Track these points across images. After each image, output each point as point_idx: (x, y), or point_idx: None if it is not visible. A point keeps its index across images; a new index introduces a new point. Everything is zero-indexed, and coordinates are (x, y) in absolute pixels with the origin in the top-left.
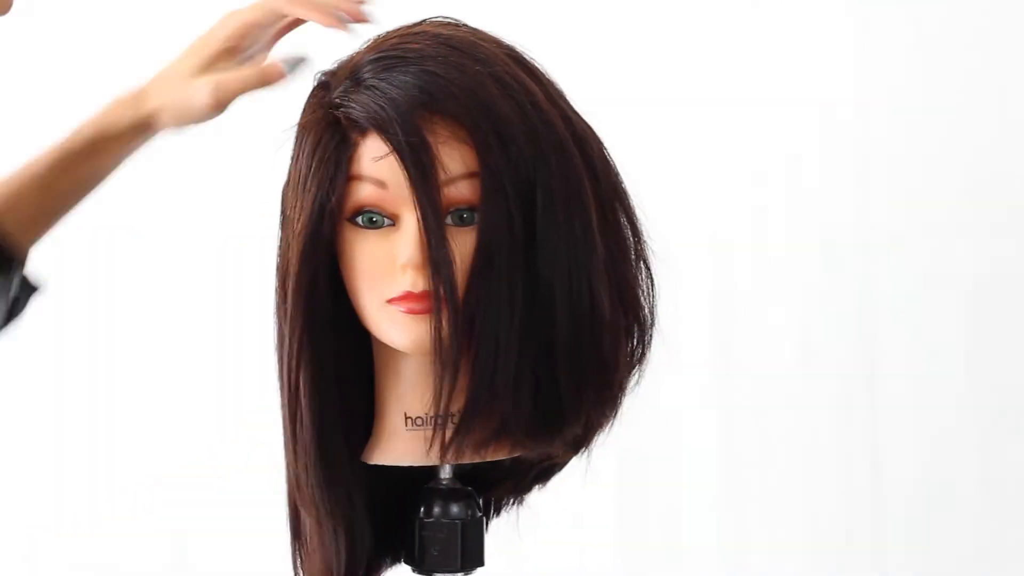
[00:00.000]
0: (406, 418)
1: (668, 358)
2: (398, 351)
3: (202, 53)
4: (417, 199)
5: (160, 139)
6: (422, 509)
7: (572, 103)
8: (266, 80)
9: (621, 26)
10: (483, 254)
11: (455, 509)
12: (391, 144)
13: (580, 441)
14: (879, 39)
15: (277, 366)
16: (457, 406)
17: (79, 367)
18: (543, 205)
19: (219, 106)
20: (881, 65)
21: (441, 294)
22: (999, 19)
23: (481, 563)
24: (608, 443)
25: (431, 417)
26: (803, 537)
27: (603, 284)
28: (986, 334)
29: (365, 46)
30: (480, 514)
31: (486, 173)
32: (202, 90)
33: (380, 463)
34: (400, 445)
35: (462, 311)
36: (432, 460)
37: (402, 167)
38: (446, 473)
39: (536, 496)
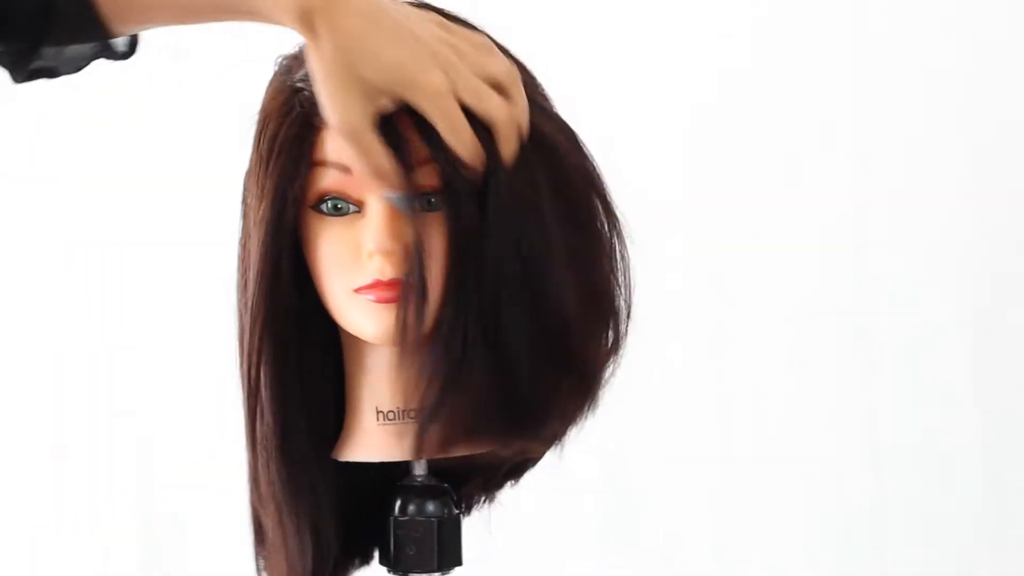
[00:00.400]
0: (377, 412)
1: (667, 358)
2: (368, 343)
3: (396, 85)
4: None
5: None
6: (397, 507)
7: (544, 91)
8: (374, 177)
9: (620, 22)
10: (452, 240)
11: (431, 507)
12: None
13: (554, 436)
14: (879, 38)
15: (237, 360)
16: (429, 398)
17: (79, 367)
18: (496, 193)
19: (331, 126)
20: (881, 65)
21: (412, 281)
22: (999, 19)
23: (459, 562)
24: (605, 442)
25: (403, 411)
26: (803, 537)
27: (566, 274)
28: (986, 334)
29: None
30: (457, 511)
31: (441, 159)
32: (339, 113)
33: (352, 459)
34: (372, 440)
35: (438, 299)
36: (406, 456)
37: None
38: (421, 469)
39: (522, 492)
